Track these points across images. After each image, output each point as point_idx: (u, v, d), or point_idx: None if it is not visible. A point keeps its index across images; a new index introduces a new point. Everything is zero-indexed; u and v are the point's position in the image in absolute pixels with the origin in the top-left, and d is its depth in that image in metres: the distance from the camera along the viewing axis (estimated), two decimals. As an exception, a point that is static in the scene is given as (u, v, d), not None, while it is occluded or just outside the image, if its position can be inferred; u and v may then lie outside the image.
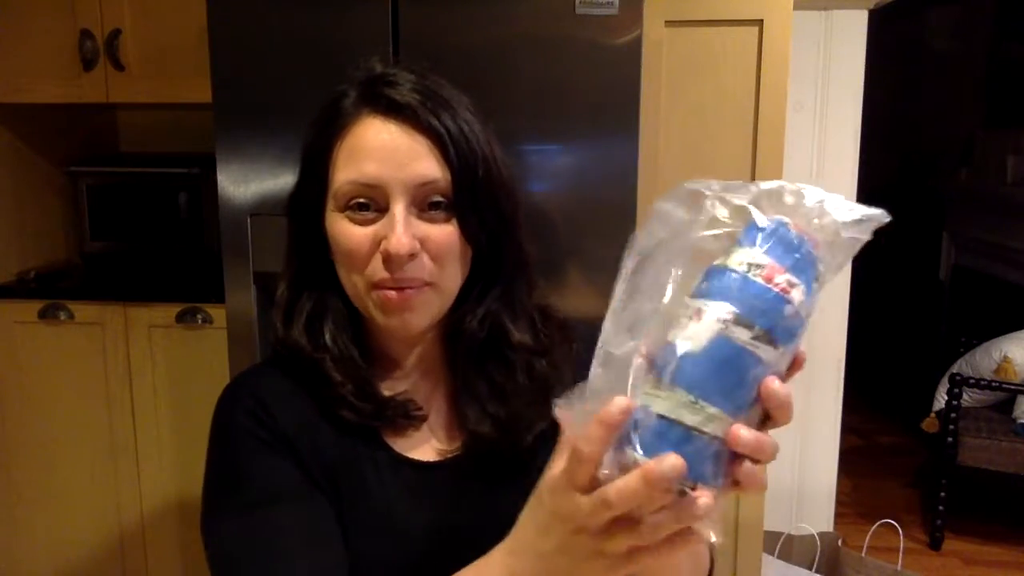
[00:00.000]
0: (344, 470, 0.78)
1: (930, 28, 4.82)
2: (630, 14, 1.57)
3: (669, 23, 1.82)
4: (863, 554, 2.41)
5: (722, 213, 0.54)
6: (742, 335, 0.50)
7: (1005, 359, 2.94)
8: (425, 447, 0.82)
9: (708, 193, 0.54)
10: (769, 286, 0.50)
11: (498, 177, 0.78)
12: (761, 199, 0.53)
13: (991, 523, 3.02)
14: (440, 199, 0.75)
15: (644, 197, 1.68)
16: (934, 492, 2.86)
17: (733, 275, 0.51)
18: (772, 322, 0.50)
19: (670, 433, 0.49)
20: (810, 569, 2.36)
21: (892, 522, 2.55)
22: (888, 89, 4.26)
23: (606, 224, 1.63)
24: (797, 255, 0.52)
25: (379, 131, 0.74)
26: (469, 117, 0.77)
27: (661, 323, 0.52)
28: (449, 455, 0.82)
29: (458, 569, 0.66)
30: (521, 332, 0.83)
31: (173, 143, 2.48)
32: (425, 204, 0.75)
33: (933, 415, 2.99)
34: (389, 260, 0.73)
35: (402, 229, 0.72)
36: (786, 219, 0.52)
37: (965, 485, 2.90)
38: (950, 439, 2.77)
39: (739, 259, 0.52)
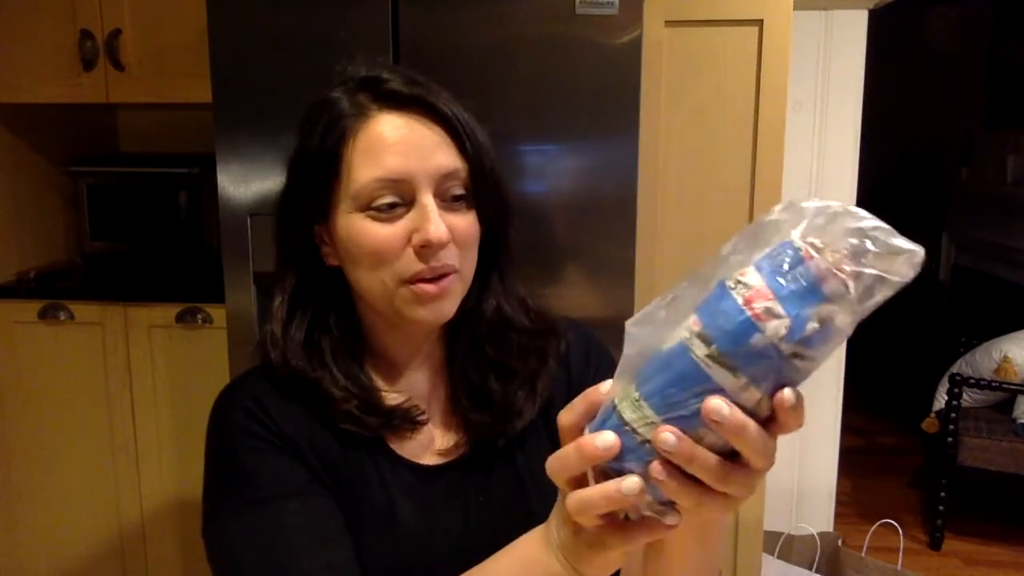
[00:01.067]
0: (347, 473, 0.78)
1: (930, 28, 4.82)
2: (630, 14, 1.57)
3: (669, 23, 1.82)
4: (863, 554, 2.40)
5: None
6: (699, 350, 0.47)
7: (1005, 359, 2.94)
8: (426, 450, 0.82)
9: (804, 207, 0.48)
10: (743, 308, 0.46)
11: (498, 166, 0.80)
12: (826, 220, 0.47)
13: (991, 523, 3.02)
14: (461, 191, 0.76)
15: (644, 197, 1.68)
16: (934, 492, 2.85)
17: (718, 287, 0.48)
18: (734, 346, 0.46)
19: (609, 420, 0.51)
20: (810, 569, 2.36)
21: (892, 522, 2.55)
22: (888, 89, 4.25)
23: (606, 224, 1.63)
24: (794, 286, 0.46)
25: (397, 125, 0.74)
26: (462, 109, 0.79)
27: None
28: (449, 457, 0.82)
29: (459, 570, 0.66)
30: (517, 315, 0.84)
31: (173, 143, 2.48)
32: (448, 196, 0.75)
33: (933, 415, 2.99)
34: (428, 249, 0.73)
35: (438, 216, 0.73)
36: (799, 243, 0.46)
37: (965, 485, 2.90)
38: (950, 439, 2.77)
39: (737, 273, 0.48)
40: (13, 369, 2.16)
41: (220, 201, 1.69)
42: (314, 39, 1.62)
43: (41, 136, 2.34)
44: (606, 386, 0.53)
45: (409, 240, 0.73)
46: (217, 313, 2.02)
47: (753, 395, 0.47)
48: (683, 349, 0.48)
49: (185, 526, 2.15)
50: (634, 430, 0.50)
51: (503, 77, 1.61)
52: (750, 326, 0.46)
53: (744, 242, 0.49)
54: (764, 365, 0.46)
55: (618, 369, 0.52)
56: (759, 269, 0.47)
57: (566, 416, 0.55)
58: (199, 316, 2.05)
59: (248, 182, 1.67)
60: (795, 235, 0.47)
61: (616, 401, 0.51)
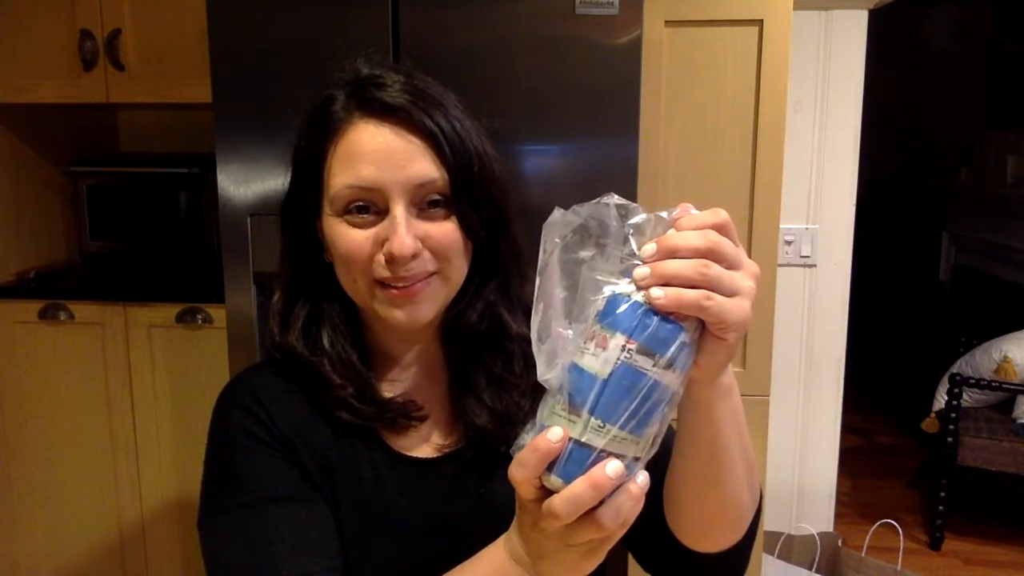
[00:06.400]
0: (342, 469, 0.79)
1: (930, 28, 4.82)
2: (630, 14, 1.57)
3: (669, 23, 1.82)
4: (863, 554, 2.41)
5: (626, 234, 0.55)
6: (645, 364, 0.51)
7: (1005, 359, 2.94)
8: (423, 444, 0.83)
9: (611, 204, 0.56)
10: (669, 317, 0.52)
11: (491, 172, 0.78)
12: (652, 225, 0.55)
13: (991, 523, 3.02)
14: (438, 197, 0.75)
15: (644, 197, 1.68)
16: (934, 492, 2.86)
17: (635, 304, 0.52)
18: (670, 350, 0.52)
19: (572, 457, 0.52)
20: (810, 569, 2.36)
21: (892, 522, 2.55)
22: (888, 89, 4.26)
23: (606, 224, 1.63)
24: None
25: (373, 135, 0.74)
26: (459, 114, 0.77)
27: (575, 346, 0.54)
28: (446, 450, 0.82)
29: (457, 563, 0.67)
30: (518, 324, 0.83)
31: (173, 143, 2.48)
32: (424, 203, 0.75)
33: (933, 415, 3.00)
34: (393, 261, 0.73)
35: (404, 230, 0.72)
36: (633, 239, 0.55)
37: (965, 485, 2.90)
38: (950, 439, 2.77)
39: (621, 285, 0.54)
40: (13, 369, 2.16)
41: (220, 201, 1.69)
42: (314, 39, 1.62)
43: (41, 136, 2.35)
44: (557, 434, 0.52)
45: (381, 246, 0.74)
46: (217, 313, 2.02)
47: (682, 378, 0.53)
48: (630, 370, 0.51)
49: (185, 526, 2.15)
50: (601, 449, 0.52)
51: (503, 77, 1.61)
52: (678, 329, 0.52)
53: (583, 246, 0.56)
54: (685, 351, 0.53)
55: (548, 399, 0.54)
56: (625, 275, 0.53)
57: (519, 473, 0.54)
58: (199, 316, 2.05)
59: (248, 182, 1.67)
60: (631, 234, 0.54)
61: (576, 436, 0.52)
